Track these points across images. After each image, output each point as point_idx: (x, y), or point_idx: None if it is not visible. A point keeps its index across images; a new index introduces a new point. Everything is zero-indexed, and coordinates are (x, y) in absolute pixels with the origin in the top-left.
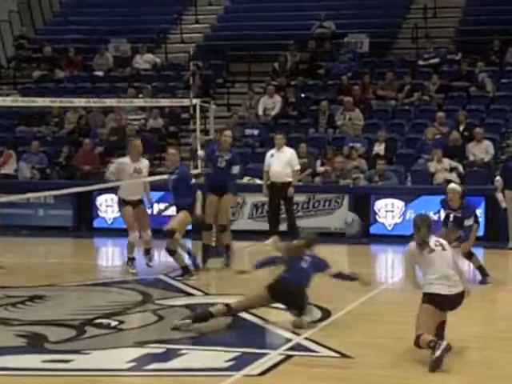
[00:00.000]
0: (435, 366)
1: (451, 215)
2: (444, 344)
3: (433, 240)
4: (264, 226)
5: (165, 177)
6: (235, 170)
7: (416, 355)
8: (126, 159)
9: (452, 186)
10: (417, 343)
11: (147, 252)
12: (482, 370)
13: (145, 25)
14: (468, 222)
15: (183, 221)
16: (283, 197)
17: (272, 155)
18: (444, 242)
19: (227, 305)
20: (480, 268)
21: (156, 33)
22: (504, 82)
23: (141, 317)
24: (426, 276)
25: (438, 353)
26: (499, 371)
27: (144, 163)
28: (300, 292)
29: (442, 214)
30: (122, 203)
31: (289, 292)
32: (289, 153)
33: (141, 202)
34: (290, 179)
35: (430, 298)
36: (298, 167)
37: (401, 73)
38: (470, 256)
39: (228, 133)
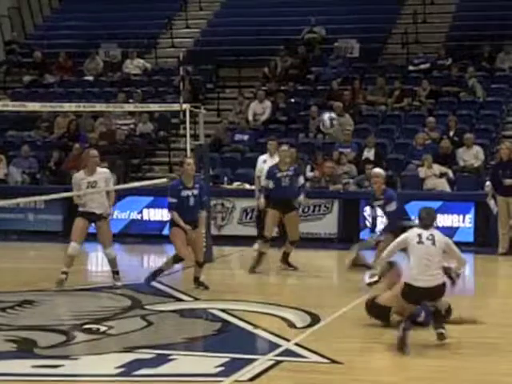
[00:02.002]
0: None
1: (376, 207)
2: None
3: (426, 233)
4: (253, 231)
5: (155, 181)
6: (301, 181)
7: (406, 360)
8: (81, 174)
9: (376, 169)
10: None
11: (116, 273)
12: (470, 375)
13: (135, 30)
14: (390, 208)
15: None
16: None
17: (265, 161)
18: (438, 236)
19: None
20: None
21: (146, 38)
22: (494, 87)
23: (130, 322)
24: (410, 266)
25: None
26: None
27: (101, 174)
28: None
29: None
30: (77, 213)
31: None
32: None
33: (102, 217)
34: None
35: (405, 290)
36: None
37: (391, 78)
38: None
39: (285, 147)
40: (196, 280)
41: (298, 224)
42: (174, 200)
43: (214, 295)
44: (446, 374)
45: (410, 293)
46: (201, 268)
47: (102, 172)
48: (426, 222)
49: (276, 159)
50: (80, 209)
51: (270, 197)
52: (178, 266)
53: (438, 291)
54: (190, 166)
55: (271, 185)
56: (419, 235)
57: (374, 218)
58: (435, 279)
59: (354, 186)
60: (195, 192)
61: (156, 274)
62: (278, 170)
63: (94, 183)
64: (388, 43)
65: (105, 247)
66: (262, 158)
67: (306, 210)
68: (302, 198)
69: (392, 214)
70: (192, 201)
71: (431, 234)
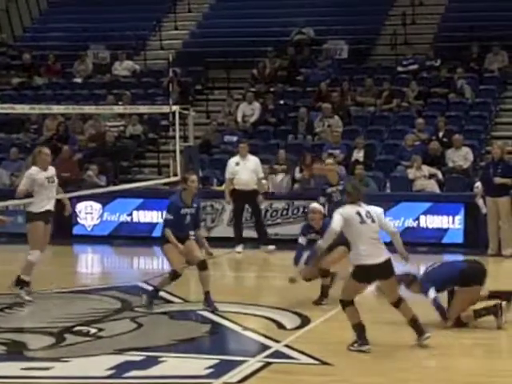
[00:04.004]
0: None
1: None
2: None
3: (363, 211)
4: (244, 233)
5: (145, 183)
6: None
7: (396, 362)
8: (35, 170)
9: (314, 205)
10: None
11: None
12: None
13: (124, 31)
14: None
15: None
16: (251, 204)
17: (237, 163)
18: (373, 211)
19: None
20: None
21: (135, 39)
22: (483, 88)
23: (120, 324)
24: (355, 247)
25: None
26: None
27: (53, 171)
28: None
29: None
30: (33, 217)
31: None
32: (254, 161)
33: (51, 214)
34: (256, 187)
35: (359, 270)
36: (262, 175)
37: (380, 79)
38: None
39: (330, 161)
40: (206, 296)
41: None
42: (171, 217)
43: (203, 297)
44: (435, 374)
45: (363, 272)
46: (205, 271)
47: (53, 169)
48: (354, 196)
49: (247, 162)
50: (38, 209)
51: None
52: (167, 269)
53: (388, 266)
54: (194, 183)
55: (322, 200)
56: (358, 214)
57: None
58: (383, 254)
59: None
60: (193, 211)
61: (153, 295)
62: (329, 185)
63: (52, 178)
64: (377, 44)
65: (42, 251)
66: (233, 160)
67: (296, 211)
68: None
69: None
70: (188, 219)
71: (368, 211)
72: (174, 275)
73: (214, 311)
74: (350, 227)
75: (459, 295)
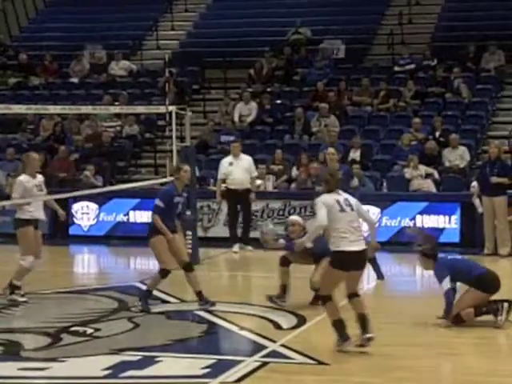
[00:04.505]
0: None
1: None
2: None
3: (342, 198)
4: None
5: (142, 184)
6: (354, 183)
7: (393, 361)
8: (25, 177)
9: (294, 217)
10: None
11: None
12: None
13: (120, 31)
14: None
15: None
16: (243, 203)
17: (231, 163)
18: (351, 199)
19: None
20: None
21: (132, 39)
22: (479, 87)
23: (116, 324)
24: (335, 233)
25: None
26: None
27: (41, 178)
28: None
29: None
30: (22, 223)
31: None
32: (247, 160)
33: (40, 222)
34: (249, 186)
35: (339, 256)
36: (255, 174)
37: (376, 79)
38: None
39: (331, 150)
40: (199, 295)
41: None
42: (163, 205)
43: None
44: (431, 374)
45: (342, 259)
46: (191, 272)
47: (40, 176)
48: (332, 184)
49: (241, 161)
50: (26, 216)
51: None
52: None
53: (364, 257)
54: (186, 173)
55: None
56: (338, 202)
57: None
58: (362, 242)
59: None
60: (182, 200)
61: (146, 296)
62: None
63: (40, 186)
64: (373, 44)
65: (37, 257)
66: (226, 160)
67: (292, 211)
68: None
69: None
70: (180, 208)
71: (346, 199)
72: (164, 272)
73: (213, 306)
74: (330, 216)
75: (467, 295)
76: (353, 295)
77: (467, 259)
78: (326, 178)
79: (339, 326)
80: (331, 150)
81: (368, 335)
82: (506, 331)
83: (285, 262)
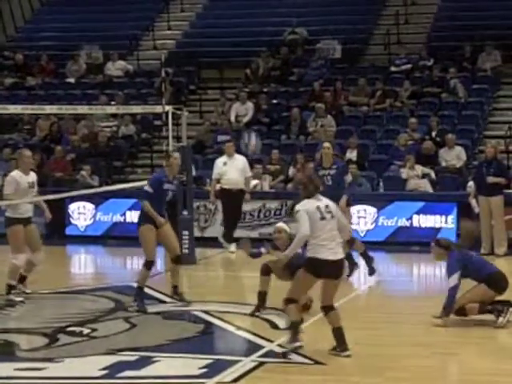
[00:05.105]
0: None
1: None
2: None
3: (322, 205)
4: (236, 232)
5: (139, 184)
6: (348, 180)
7: (390, 361)
8: (18, 173)
9: (280, 224)
10: (287, 303)
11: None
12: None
13: (117, 32)
14: None
15: None
16: (235, 203)
17: (225, 163)
18: (331, 205)
19: None
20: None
21: (128, 39)
22: (475, 87)
23: (113, 324)
24: (314, 240)
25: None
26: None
27: (34, 177)
28: None
29: None
30: (11, 221)
31: None
32: (242, 160)
33: (31, 219)
34: (243, 186)
35: (311, 263)
36: (249, 174)
37: (373, 79)
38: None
39: (326, 144)
40: (175, 289)
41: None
42: (151, 190)
43: (197, 297)
44: (429, 374)
45: (319, 266)
46: (178, 264)
47: (33, 174)
48: (310, 189)
49: (235, 161)
50: (16, 215)
51: None
52: (160, 269)
53: (342, 266)
54: (176, 160)
55: None
56: (318, 209)
57: None
58: (340, 252)
59: None
60: (173, 188)
61: (140, 294)
62: (322, 167)
63: (33, 184)
64: (370, 44)
65: (34, 251)
66: (220, 160)
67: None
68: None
69: None
70: (170, 195)
71: (326, 206)
72: (148, 264)
73: (188, 304)
74: (311, 224)
75: (477, 290)
76: (329, 308)
77: (480, 256)
78: (303, 183)
79: (297, 327)
80: (326, 144)
81: (346, 353)
82: (505, 331)
83: (266, 271)
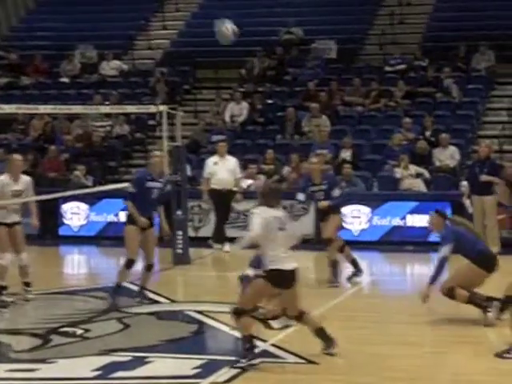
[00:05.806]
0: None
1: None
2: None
3: (281, 215)
4: (231, 232)
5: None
6: (336, 193)
7: (384, 360)
8: (6, 178)
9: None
10: (238, 313)
11: (27, 284)
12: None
13: (111, 31)
14: None
15: None
16: (225, 203)
17: (216, 163)
18: (284, 217)
19: None
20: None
21: (123, 39)
22: (470, 87)
23: (106, 325)
24: (272, 251)
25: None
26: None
27: (24, 182)
28: None
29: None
30: None
31: None
32: (233, 161)
33: (17, 223)
34: (233, 187)
35: (274, 274)
36: (240, 175)
37: (367, 79)
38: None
39: (314, 160)
40: (142, 289)
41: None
42: (134, 190)
43: (190, 297)
44: (422, 373)
45: (280, 277)
46: (149, 272)
47: (25, 179)
48: (270, 199)
49: (226, 161)
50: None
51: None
52: (156, 269)
53: (297, 274)
54: (158, 158)
55: (300, 196)
56: (277, 219)
57: None
58: (294, 261)
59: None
60: (159, 185)
61: (116, 291)
62: (312, 184)
63: (19, 192)
64: (365, 44)
65: (18, 252)
66: (211, 159)
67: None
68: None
69: None
70: (155, 193)
71: (286, 217)
72: (129, 263)
73: (144, 300)
74: (268, 232)
75: (464, 268)
76: (300, 315)
77: (472, 234)
78: (263, 192)
79: (250, 341)
80: (314, 159)
81: (332, 351)
82: (499, 330)
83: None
